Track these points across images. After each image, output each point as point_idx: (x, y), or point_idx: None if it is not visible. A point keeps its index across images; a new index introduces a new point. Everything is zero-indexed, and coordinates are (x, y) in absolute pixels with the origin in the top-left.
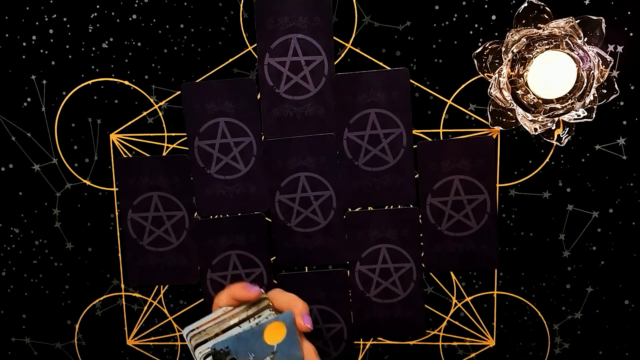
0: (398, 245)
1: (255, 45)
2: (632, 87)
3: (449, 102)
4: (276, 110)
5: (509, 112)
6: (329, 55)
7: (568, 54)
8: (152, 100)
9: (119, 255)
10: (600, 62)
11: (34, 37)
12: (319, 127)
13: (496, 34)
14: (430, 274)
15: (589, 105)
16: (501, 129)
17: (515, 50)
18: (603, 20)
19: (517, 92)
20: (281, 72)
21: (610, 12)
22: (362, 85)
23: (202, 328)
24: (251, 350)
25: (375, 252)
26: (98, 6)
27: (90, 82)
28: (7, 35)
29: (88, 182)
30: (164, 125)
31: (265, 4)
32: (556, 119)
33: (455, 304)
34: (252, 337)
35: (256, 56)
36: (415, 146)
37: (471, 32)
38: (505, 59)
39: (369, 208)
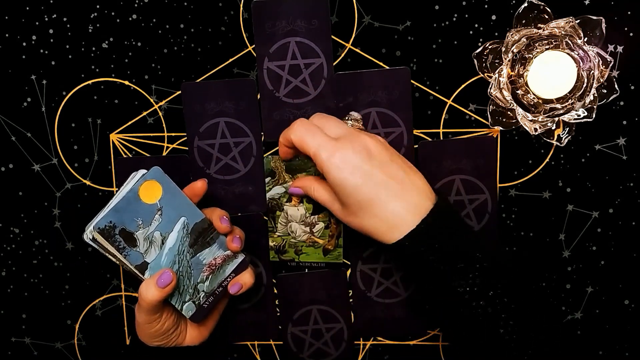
0: None
1: (255, 46)
2: (632, 87)
3: (449, 102)
4: (277, 114)
5: (509, 112)
6: (327, 57)
7: (568, 54)
8: (152, 100)
9: None
10: (600, 62)
11: (34, 37)
12: None
13: (496, 34)
14: None
15: (589, 105)
16: (501, 129)
17: (515, 50)
18: (603, 20)
19: (517, 92)
20: (280, 75)
21: (610, 12)
22: (363, 84)
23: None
24: (136, 215)
25: (377, 252)
26: (98, 6)
27: (90, 82)
28: (7, 35)
29: (88, 182)
30: (164, 125)
31: (263, 8)
32: (556, 119)
33: None
34: (129, 204)
35: (255, 56)
36: (416, 146)
37: (471, 32)
38: (505, 59)
39: None
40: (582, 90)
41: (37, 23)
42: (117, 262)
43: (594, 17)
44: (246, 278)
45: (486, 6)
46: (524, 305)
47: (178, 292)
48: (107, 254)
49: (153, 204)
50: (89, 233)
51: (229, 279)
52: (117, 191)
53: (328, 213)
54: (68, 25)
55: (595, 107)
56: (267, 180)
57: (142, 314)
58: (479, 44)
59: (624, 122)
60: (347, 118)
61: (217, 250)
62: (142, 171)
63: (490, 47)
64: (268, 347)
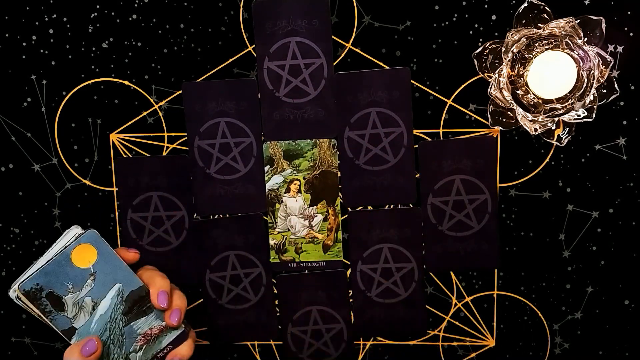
0: (400, 245)
1: (255, 46)
2: (632, 87)
3: (449, 102)
4: (276, 114)
5: (509, 112)
6: (327, 57)
7: (568, 54)
8: (152, 100)
9: None
10: (600, 62)
11: (34, 37)
12: (320, 129)
13: (496, 34)
14: (430, 274)
15: (589, 105)
16: (501, 129)
17: (515, 50)
18: (603, 20)
19: (517, 92)
20: (281, 75)
21: (610, 12)
22: (363, 84)
23: (25, 274)
24: (66, 279)
25: (377, 252)
26: (98, 6)
27: (90, 82)
28: (7, 35)
29: (88, 182)
30: (164, 125)
31: (263, 8)
32: (556, 119)
33: (455, 304)
34: (60, 266)
35: (255, 55)
36: (416, 146)
37: (471, 32)
38: (505, 59)
39: (369, 207)
40: (582, 90)
41: (37, 23)
42: (42, 321)
43: (594, 17)
44: (184, 351)
45: (486, 6)
46: None
47: None
48: (31, 312)
49: (86, 269)
50: (13, 292)
51: (165, 351)
52: (48, 250)
53: (326, 204)
54: (68, 25)
55: (595, 107)
56: (266, 169)
57: None
58: (479, 44)
59: (624, 122)
60: None
61: (154, 320)
62: (77, 230)
63: (490, 47)
64: (268, 347)
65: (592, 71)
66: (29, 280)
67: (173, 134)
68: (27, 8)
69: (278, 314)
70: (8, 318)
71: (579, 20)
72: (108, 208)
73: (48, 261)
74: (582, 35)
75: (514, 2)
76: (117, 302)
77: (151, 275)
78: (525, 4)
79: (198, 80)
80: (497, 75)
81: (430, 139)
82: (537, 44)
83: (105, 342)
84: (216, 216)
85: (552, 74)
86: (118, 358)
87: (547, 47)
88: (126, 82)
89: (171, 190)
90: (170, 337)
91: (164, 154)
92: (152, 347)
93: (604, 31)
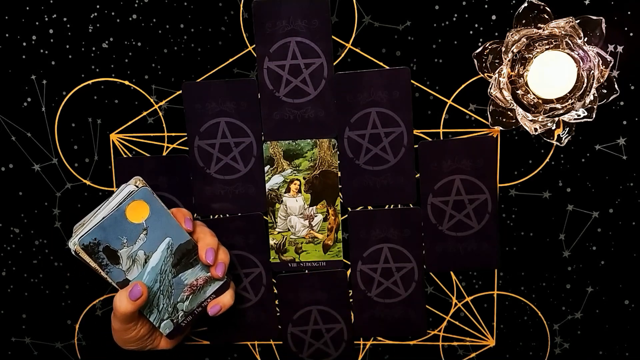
0: (400, 245)
1: (255, 46)
2: (632, 87)
3: (449, 102)
4: (276, 114)
5: (509, 112)
6: (328, 57)
7: (568, 54)
8: (152, 100)
9: None
10: (600, 62)
11: (34, 37)
12: (320, 129)
13: (496, 34)
14: (430, 274)
15: (589, 105)
16: (501, 129)
17: (515, 50)
18: (603, 20)
19: (517, 92)
20: (281, 75)
21: (610, 12)
22: (363, 84)
23: (83, 223)
24: (121, 234)
25: (377, 252)
26: (98, 6)
27: (90, 82)
28: (7, 35)
29: (88, 182)
30: (164, 125)
31: (263, 8)
32: (556, 119)
33: (456, 304)
34: (115, 222)
35: (255, 55)
36: (416, 146)
37: (471, 32)
38: (505, 59)
39: (369, 207)
40: (582, 90)
41: (37, 23)
42: (99, 274)
43: (594, 17)
44: (226, 299)
45: (486, 6)
46: None
47: (157, 310)
48: (89, 266)
49: (139, 224)
50: (72, 245)
51: (209, 300)
52: (104, 202)
53: (326, 204)
54: (68, 25)
55: (595, 107)
56: (266, 169)
57: (117, 322)
58: (479, 44)
59: (624, 122)
60: None
61: (200, 272)
62: (130, 187)
63: (490, 47)
64: (268, 347)
65: (592, 71)
66: (88, 235)
67: (173, 134)
68: (27, 8)
69: (278, 314)
70: (8, 318)
71: (579, 20)
72: None
73: (104, 217)
74: (582, 35)
75: (514, 2)
76: (167, 255)
77: (203, 231)
78: (525, 4)
79: (198, 80)
80: (497, 75)
81: (430, 139)
82: (537, 44)
83: (156, 292)
84: (216, 216)
85: (552, 74)
86: (167, 307)
87: (547, 47)
88: (126, 82)
89: (171, 190)
90: (214, 287)
91: (164, 154)
92: (197, 297)
93: (604, 31)
